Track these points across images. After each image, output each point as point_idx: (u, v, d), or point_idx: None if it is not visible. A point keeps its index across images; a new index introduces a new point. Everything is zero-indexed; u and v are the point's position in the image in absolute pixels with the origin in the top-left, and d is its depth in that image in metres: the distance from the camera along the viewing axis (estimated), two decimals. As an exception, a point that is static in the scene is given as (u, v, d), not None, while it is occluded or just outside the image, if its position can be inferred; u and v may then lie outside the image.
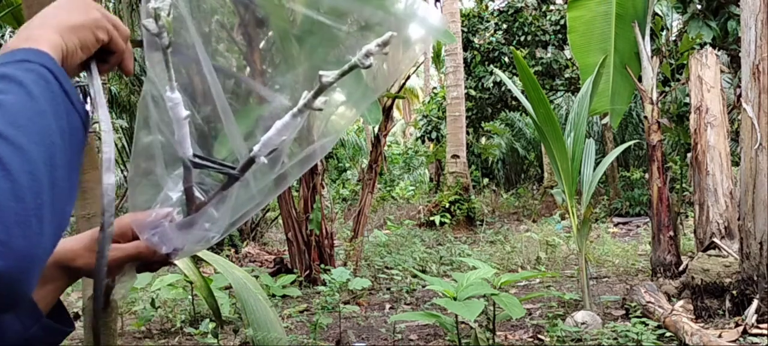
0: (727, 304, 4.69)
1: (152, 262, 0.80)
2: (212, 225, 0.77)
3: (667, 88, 8.30)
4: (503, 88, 14.41)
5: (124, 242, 0.78)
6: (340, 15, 0.82)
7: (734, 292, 4.65)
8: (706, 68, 5.58)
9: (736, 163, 5.98)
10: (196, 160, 0.77)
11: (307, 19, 0.85)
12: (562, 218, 11.23)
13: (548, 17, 14.24)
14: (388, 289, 6.67)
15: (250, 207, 0.80)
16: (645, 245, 8.29)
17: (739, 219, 4.90)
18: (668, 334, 4.39)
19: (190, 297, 5.38)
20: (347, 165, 18.60)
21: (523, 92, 5.53)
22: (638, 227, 11.52)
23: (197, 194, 0.78)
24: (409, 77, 7.82)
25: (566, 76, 14.29)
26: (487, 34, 14.49)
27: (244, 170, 0.77)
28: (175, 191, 0.78)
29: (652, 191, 6.20)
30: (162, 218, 0.76)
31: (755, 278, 4.51)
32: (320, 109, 0.75)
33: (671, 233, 6.06)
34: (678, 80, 8.37)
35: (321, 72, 0.73)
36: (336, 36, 0.81)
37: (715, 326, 4.56)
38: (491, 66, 14.14)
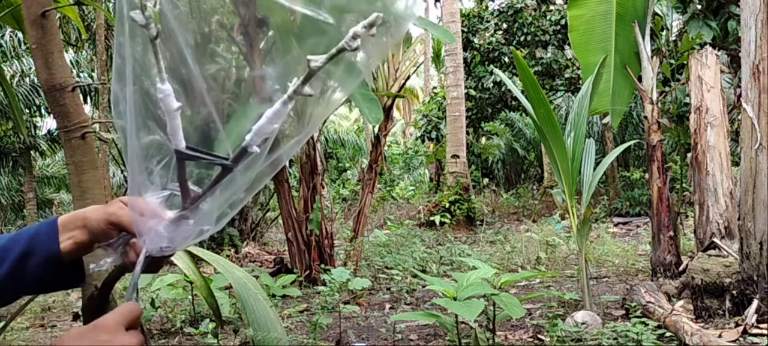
0: (727, 304, 4.69)
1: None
2: (200, 218, 0.77)
3: (667, 88, 8.30)
4: (503, 88, 14.41)
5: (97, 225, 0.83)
6: (340, 13, 0.82)
7: (734, 292, 4.64)
8: (706, 68, 5.58)
9: (736, 164, 5.97)
10: (189, 152, 0.77)
11: (307, 17, 0.85)
12: (562, 218, 11.23)
13: (548, 17, 14.24)
14: (388, 289, 6.66)
15: (240, 196, 0.80)
16: (645, 245, 8.28)
17: (739, 219, 4.89)
18: (668, 334, 4.39)
19: (190, 297, 5.38)
20: (347, 165, 18.61)
21: (523, 92, 5.53)
22: (638, 227, 11.52)
23: (192, 186, 0.78)
24: (409, 77, 7.81)
25: (566, 76, 14.30)
26: (487, 34, 14.49)
27: (237, 161, 0.76)
28: (159, 192, 0.78)
29: (652, 191, 6.20)
30: (156, 217, 0.75)
31: (755, 278, 4.51)
32: (310, 95, 0.75)
33: (671, 233, 6.05)
34: (678, 80, 8.37)
35: (309, 56, 0.73)
36: (335, 35, 0.81)
37: (715, 326, 4.56)
38: (491, 66, 14.15)
